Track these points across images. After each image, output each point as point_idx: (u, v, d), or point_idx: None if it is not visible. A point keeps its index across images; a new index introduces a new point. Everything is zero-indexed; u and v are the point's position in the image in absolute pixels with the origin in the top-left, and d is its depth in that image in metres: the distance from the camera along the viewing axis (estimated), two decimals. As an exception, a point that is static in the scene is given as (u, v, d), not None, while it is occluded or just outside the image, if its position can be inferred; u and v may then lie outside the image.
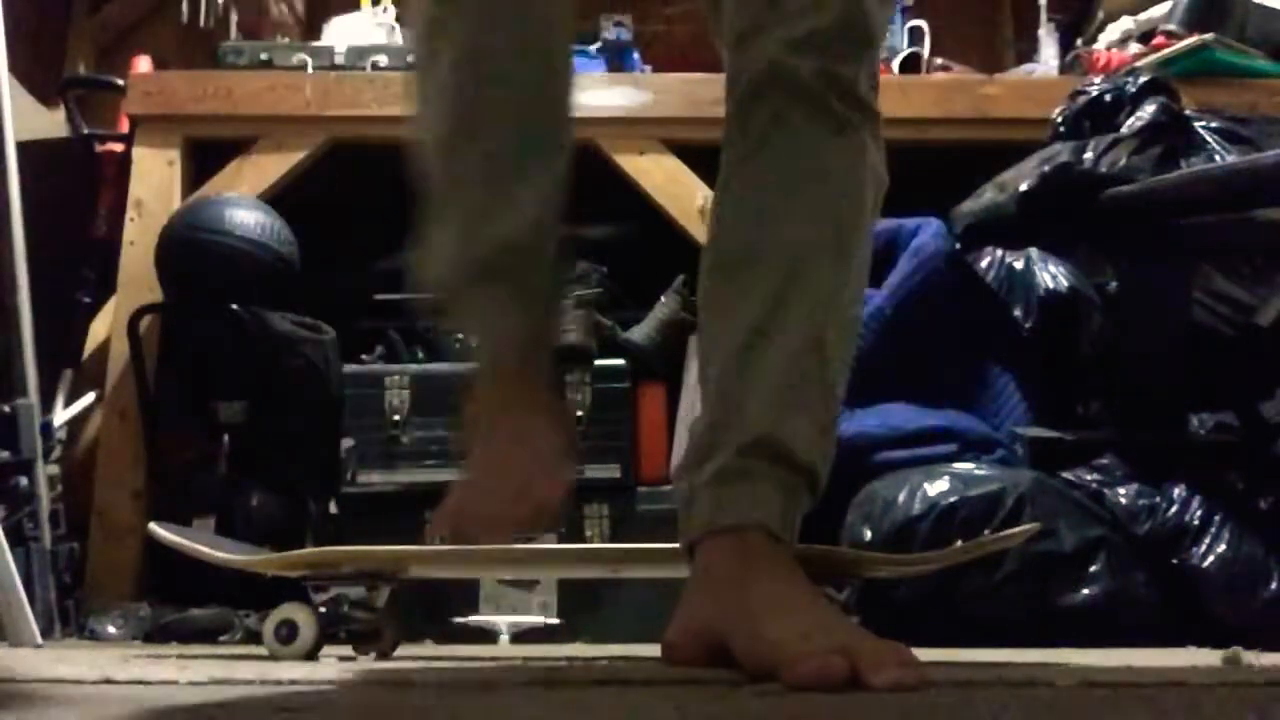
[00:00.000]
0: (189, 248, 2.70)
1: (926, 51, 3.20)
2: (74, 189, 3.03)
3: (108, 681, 1.20)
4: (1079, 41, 3.21)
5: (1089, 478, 2.23)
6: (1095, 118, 2.48)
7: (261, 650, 1.63)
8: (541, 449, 1.28)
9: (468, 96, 1.28)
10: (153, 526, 1.66)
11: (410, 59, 1.73)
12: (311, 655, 1.52)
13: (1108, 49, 3.05)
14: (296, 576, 1.63)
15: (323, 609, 1.57)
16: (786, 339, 1.15)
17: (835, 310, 1.18)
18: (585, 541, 2.59)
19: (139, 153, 2.92)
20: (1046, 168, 2.38)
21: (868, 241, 1.23)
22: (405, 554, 1.65)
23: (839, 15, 1.18)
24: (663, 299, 2.82)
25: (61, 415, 2.68)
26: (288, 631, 1.52)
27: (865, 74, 1.22)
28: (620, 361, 2.70)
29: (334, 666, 1.40)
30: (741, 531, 1.12)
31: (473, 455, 1.30)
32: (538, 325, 1.34)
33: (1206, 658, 1.65)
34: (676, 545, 1.21)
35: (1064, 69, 3.14)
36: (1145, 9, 3.09)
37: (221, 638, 2.38)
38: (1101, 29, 3.18)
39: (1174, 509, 2.17)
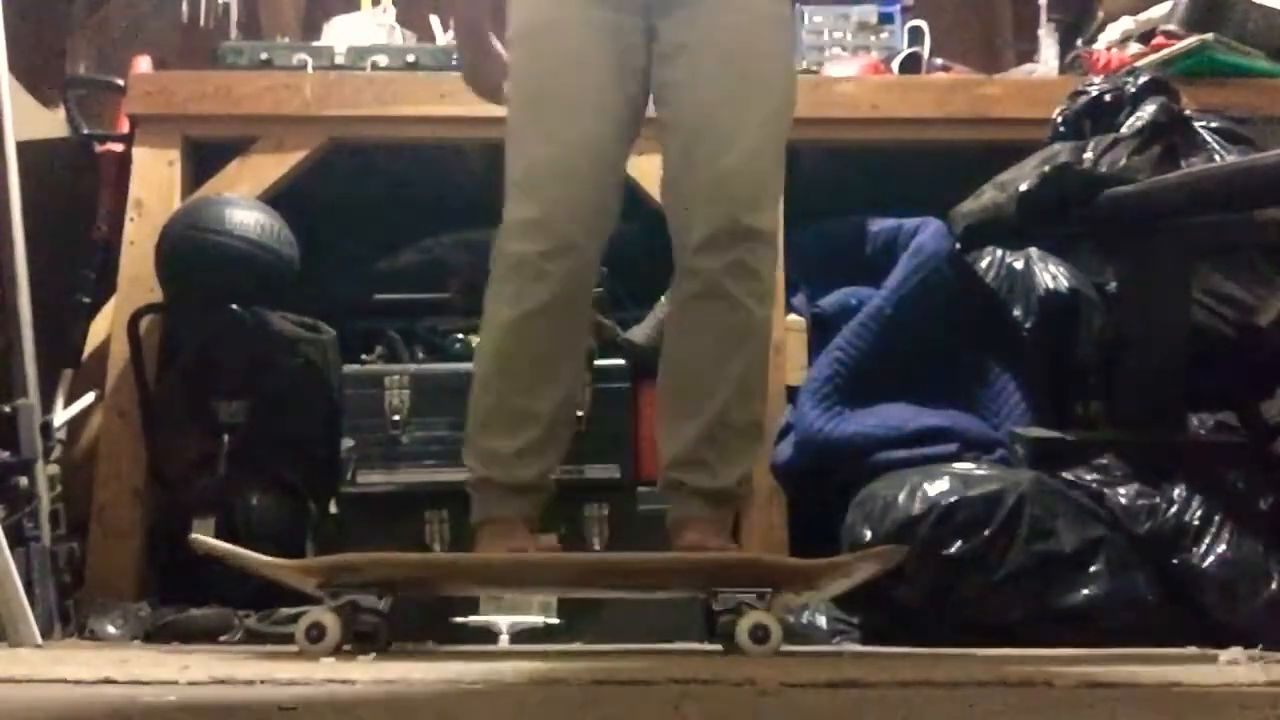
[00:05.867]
0: (189, 248, 2.70)
1: (926, 51, 3.20)
2: (74, 189, 3.03)
3: (108, 681, 1.20)
4: (1079, 41, 3.20)
5: (1089, 478, 2.23)
6: (1095, 118, 2.48)
7: (261, 650, 1.63)
8: None
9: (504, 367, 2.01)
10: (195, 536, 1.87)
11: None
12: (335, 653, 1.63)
13: (1108, 49, 3.04)
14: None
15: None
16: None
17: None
18: (585, 542, 2.59)
19: (139, 153, 2.91)
20: (1046, 168, 2.38)
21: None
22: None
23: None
24: (663, 299, 2.81)
25: (61, 415, 2.67)
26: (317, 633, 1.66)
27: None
28: (620, 361, 2.69)
29: (332, 666, 1.40)
30: None
31: None
32: None
33: (1206, 658, 1.65)
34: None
35: (1064, 69, 3.14)
36: (1145, 9, 3.09)
37: (221, 638, 2.38)
38: (1101, 29, 3.17)
39: (1174, 509, 2.17)
